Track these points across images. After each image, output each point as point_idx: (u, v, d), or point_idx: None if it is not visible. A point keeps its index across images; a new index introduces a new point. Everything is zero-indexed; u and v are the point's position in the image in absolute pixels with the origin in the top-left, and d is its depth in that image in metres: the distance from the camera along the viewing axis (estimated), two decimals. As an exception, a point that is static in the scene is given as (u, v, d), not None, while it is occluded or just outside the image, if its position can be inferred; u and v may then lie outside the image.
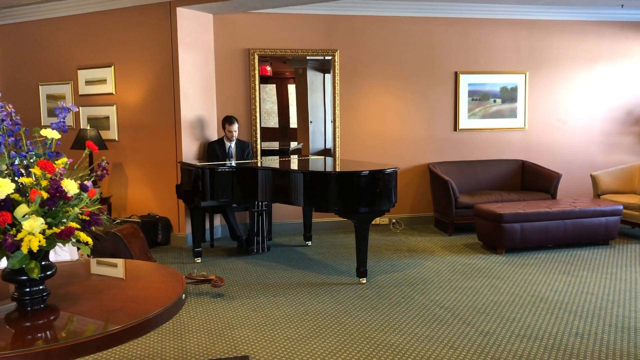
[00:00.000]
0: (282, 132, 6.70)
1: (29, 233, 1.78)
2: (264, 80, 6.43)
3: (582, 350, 3.19)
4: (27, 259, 1.82)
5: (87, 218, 1.98)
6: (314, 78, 6.60)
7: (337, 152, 6.50)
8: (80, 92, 6.27)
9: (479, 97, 6.84)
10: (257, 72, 6.24)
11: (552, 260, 5.15)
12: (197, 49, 5.94)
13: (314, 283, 4.59)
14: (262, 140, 6.41)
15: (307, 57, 6.43)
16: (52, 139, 2.01)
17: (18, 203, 1.83)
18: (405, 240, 6.08)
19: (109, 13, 6.00)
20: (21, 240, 1.77)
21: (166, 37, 5.72)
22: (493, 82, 6.86)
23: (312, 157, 6.24)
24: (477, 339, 3.38)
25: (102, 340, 1.71)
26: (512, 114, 6.94)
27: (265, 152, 6.46)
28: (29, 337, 1.79)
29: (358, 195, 4.39)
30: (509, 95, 6.91)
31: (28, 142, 2.01)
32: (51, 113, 6.40)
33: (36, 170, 1.90)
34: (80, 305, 2.02)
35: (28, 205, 1.82)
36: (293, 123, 6.74)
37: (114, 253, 4.27)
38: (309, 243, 5.95)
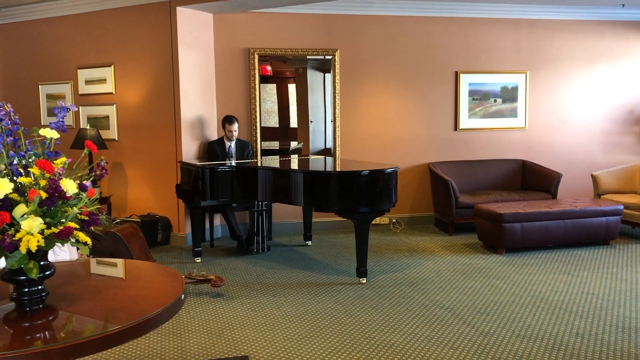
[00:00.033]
0: (283, 132, 6.69)
1: (28, 233, 1.77)
2: (264, 79, 6.42)
3: (582, 351, 3.19)
4: (25, 259, 1.82)
5: (86, 218, 1.97)
6: (314, 78, 6.60)
7: (337, 152, 6.49)
8: (80, 92, 6.27)
9: (479, 96, 6.83)
10: (257, 71, 6.23)
11: (552, 260, 5.15)
12: (197, 48, 5.93)
13: (314, 283, 4.59)
14: (263, 139, 6.40)
15: (307, 57, 6.42)
16: (51, 138, 2.00)
17: (17, 203, 1.82)
18: (406, 240, 6.08)
19: (109, 12, 6.00)
20: (20, 240, 1.77)
21: (166, 37, 5.71)
22: (493, 81, 6.85)
23: (312, 157, 6.23)
24: (477, 339, 3.37)
25: (101, 340, 1.71)
26: (513, 113, 6.94)
27: (266, 152, 6.45)
28: (27, 337, 1.79)
29: (358, 195, 4.38)
30: (509, 94, 6.90)
31: (27, 141, 2.00)
32: (51, 113, 6.40)
33: (35, 170, 1.89)
34: (80, 305, 2.02)
35: (27, 205, 1.82)
36: (293, 123, 6.73)
37: (113, 253, 4.27)
38: (309, 243, 5.94)
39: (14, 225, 1.80)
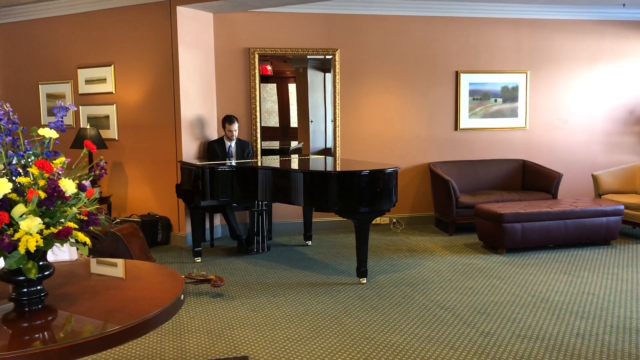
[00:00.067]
0: (283, 132, 6.68)
1: (27, 233, 1.77)
2: (265, 79, 6.41)
3: (583, 351, 3.18)
4: (24, 259, 1.81)
5: (85, 218, 1.97)
6: (314, 77, 6.59)
7: (337, 152, 6.49)
8: (80, 91, 6.26)
9: (479, 96, 6.82)
10: (257, 71, 6.22)
11: (553, 261, 5.14)
12: (197, 48, 5.92)
13: (314, 283, 4.58)
14: (263, 139, 6.40)
15: (308, 57, 6.42)
16: (50, 138, 2.00)
17: (15, 203, 1.82)
18: (406, 240, 6.07)
19: (108, 12, 5.99)
20: (18, 240, 1.76)
21: (166, 36, 5.71)
22: (494, 81, 6.84)
23: (312, 157, 6.22)
24: (477, 340, 3.36)
25: (100, 341, 1.70)
26: (513, 113, 6.93)
27: (266, 152, 6.44)
28: (26, 337, 1.78)
29: (358, 195, 4.38)
30: (509, 94, 6.89)
31: (26, 141, 1.99)
32: (51, 112, 6.38)
33: (34, 170, 1.88)
34: (79, 305, 2.01)
35: (25, 205, 1.81)
36: (293, 122, 6.73)
37: (113, 253, 4.27)
38: (309, 243, 5.94)
39: (13, 225, 1.80)
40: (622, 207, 5.63)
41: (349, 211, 4.42)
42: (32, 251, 1.76)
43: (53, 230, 1.83)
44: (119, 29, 5.97)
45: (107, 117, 6.15)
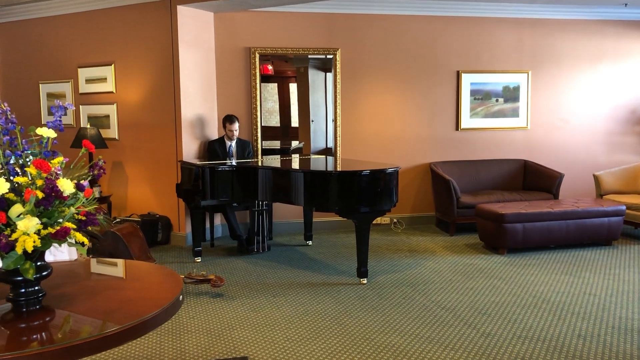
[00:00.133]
0: (284, 131, 6.67)
1: (24, 233, 1.76)
2: (266, 79, 6.40)
3: (584, 352, 3.16)
4: (22, 260, 1.80)
5: (84, 218, 1.96)
6: (315, 77, 6.58)
7: (338, 152, 6.47)
8: (81, 91, 6.25)
9: (481, 96, 6.80)
10: (257, 70, 6.21)
11: (554, 261, 5.12)
12: (198, 47, 5.91)
13: (314, 283, 4.57)
14: (264, 139, 6.39)
15: (309, 56, 6.41)
16: (48, 137, 1.98)
17: (13, 203, 1.81)
18: (407, 240, 6.05)
19: (109, 11, 5.98)
20: (16, 240, 1.75)
21: (166, 36, 5.70)
22: (495, 81, 6.82)
23: (313, 157, 6.21)
24: (478, 341, 3.35)
25: (98, 341, 1.69)
26: (515, 113, 6.91)
27: (267, 151, 6.43)
28: (23, 338, 1.77)
29: (359, 194, 4.36)
30: (511, 94, 6.87)
31: (23, 140, 1.98)
32: (51, 112, 6.38)
33: (31, 170, 1.87)
34: (77, 306, 2.00)
35: (23, 205, 1.80)
36: (294, 122, 6.72)
37: (113, 252, 4.26)
38: (310, 243, 5.92)
39: (10, 225, 1.79)
40: (624, 207, 5.62)
41: (349, 211, 4.41)
42: (30, 251, 1.75)
43: (51, 230, 1.81)
44: (119, 28, 5.96)
45: (108, 116, 6.15)
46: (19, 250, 1.75)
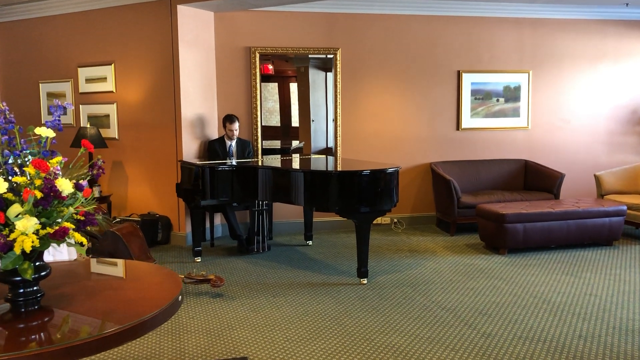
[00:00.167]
0: (284, 131, 6.66)
1: (22, 233, 1.75)
2: (266, 78, 6.40)
3: (585, 353, 3.15)
4: (20, 260, 1.79)
5: (82, 218, 1.95)
6: (315, 76, 6.57)
7: (338, 151, 6.46)
8: (81, 90, 6.25)
9: (481, 96, 6.79)
10: (258, 70, 6.20)
11: (554, 261, 5.11)
12: (198, 46, 5.90)
13: (314, 283, 4.56)
14: (264, 138, 6.38)
15: (309, 56, 6.40)
16: (47, 137, 1.98)
17: (11, 202, 1.80)
18: (407, 240, 6.04)
19: (109, 10, 5.97)
20: (14, 240, 1.74)
21: (167, 35, 5.69)
22: (496, 81, 6.81)
23: (313, 156, 6.20)
24: (478, 341, 3.34)
25: (97, 342, 1.68)
26: (515, 113, 6.90)
27: (267, 151, 6.42)
28: (22, 339, 1.76)
29: (359, 194, 4.35)
30: (512, 94, 6.86)
31: (22, 140, 1.97)
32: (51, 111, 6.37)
33: (30, 169, 1.86)
34: (76, 306, 1.99)
35: (21, 205, 1.79)
36: (295, 122, 6.71)
37: (112, 252, 4.25)
38: (310, 242, 5.91)
39: (9, 225, 1.78)
40: (625, 207, 5.60)
41: (349, 211, 4.40)
42: (28, 252, 1.74)
43: (49, 230, 1.81)
44: (119, 28, 5.95)
45: (108, 116, 6.14)
46: (17, 250, 1.74)
